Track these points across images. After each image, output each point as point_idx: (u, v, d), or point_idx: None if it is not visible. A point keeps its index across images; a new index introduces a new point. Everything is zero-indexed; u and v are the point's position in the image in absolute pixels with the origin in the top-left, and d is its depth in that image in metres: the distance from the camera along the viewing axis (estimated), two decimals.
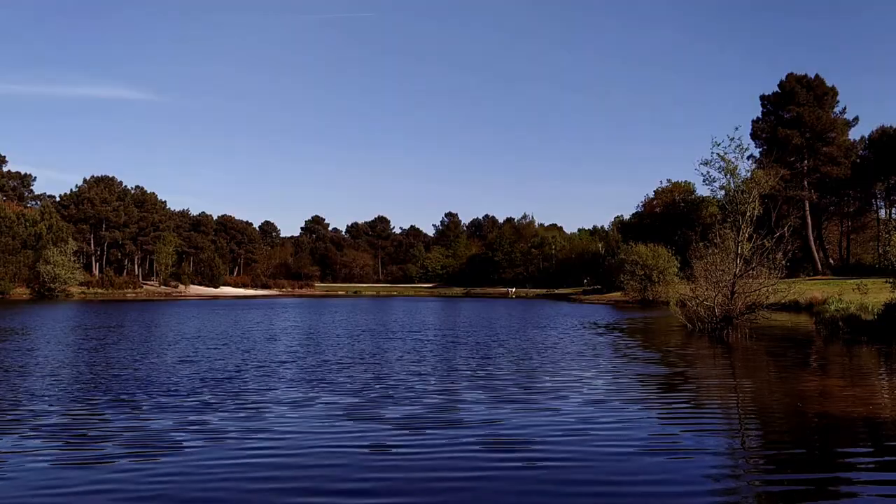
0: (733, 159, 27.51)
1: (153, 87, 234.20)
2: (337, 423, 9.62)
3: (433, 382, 13.44)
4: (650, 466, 7.44)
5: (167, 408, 10.73)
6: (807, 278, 63.82)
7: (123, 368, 15.49)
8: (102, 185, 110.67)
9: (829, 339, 23.13)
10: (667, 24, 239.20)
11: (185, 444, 8.47)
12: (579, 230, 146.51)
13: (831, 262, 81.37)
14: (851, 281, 48.27)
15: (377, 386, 12.91)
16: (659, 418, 10.26)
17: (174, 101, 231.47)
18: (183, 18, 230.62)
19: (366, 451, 8.17)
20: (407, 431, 9.15)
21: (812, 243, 77.73)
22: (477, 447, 8.33)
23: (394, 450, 8.25)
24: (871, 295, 33.79)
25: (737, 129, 31.96)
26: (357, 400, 11.41)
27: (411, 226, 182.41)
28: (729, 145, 27.49)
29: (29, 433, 9.04)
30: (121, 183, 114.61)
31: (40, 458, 7.92)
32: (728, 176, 27.88)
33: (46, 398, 11.53)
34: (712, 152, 27.69)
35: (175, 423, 9.59)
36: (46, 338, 23.34)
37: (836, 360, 18.49)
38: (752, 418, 10.49)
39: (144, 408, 10.78)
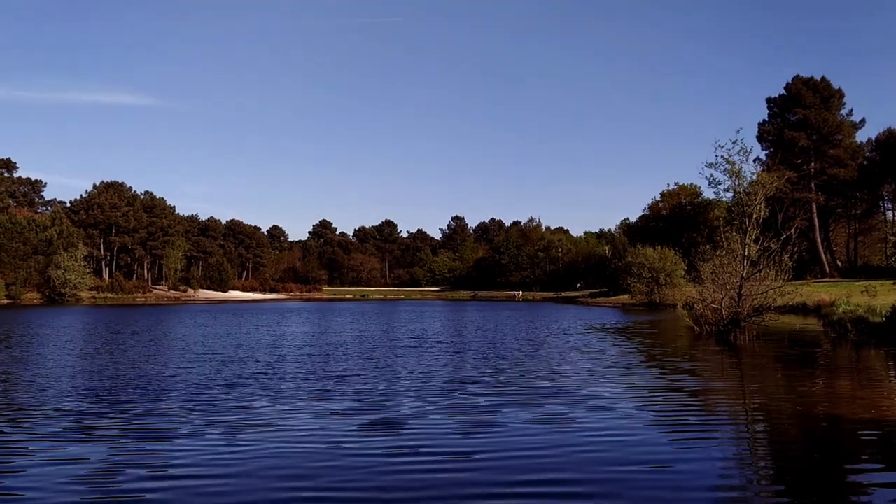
0: (737, 161, 27.70)
1: (162, 93, 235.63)
2: (345, 449, 8.32)
3: (454, 398, 11.99)
4: (654, 470, 7.53)
5: (134, 432, 9.40)
6: (814, 280, 63.76)
7: (101, 379, 14.35)
8: (112, 191, 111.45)
9: (838, 342, 23.20)
10: (672, 27, 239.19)
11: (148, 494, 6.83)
12: (585, 233, 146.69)
13: (839, 264, 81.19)
14: (859, 283, 48.33)
15: (389, 405, 11.33)
16: (665, 421, 10.39)
17: (183, 106, 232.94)
18: (191, 24, 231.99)
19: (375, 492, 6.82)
20: (432, 465, 7.77)
21: (819, 245, 77.59)
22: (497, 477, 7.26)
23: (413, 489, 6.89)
24: (879, 297, 33.88)
25: (738, 131, 32.21)
26: (365, 422, 9.98)
27: (418, 229, 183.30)
28: (732, 147, 27.68)
29: None
30: (130, 188, 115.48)
31: None
32: (733, 178, 28.08)
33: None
34: (716, 155, 27.90)
35: (146, 455, 8.14)
36: (32, 346, 22.42)
37: (844, 363, 18.59)
38: (760, 421, 10.62)
39: (104, 430, 9.48)
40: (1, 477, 7.34)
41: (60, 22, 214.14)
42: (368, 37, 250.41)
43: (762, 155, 78.73)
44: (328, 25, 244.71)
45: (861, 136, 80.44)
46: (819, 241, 77.84)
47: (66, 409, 11.11)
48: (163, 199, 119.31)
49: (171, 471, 7.51)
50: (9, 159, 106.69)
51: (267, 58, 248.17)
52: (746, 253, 25.68)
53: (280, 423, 9.96)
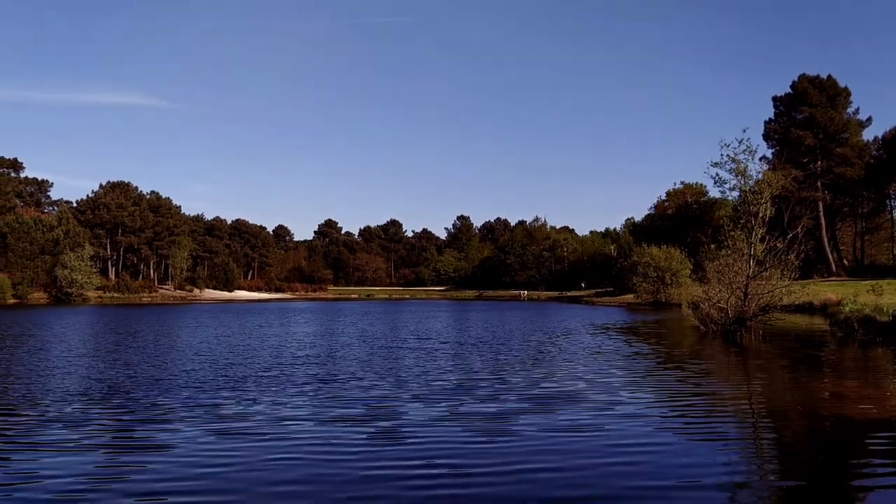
0: (743, 160, 27.65)
1: (167, 93, 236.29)
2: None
3: (466, 405, 11.33)
4: (663, 473, 7.50)
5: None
6: (821, 279, 63.52)
7: (92, 383, 13.69)
8: (118, 191, 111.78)
9: (844, 341, 23.10)
10: (678, 25, 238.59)
11: None
12: (591, 232, 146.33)
13: (845, 263, 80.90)
14: (866, 282, 48.06)
15: (397, 412, 10.64)
16: (672, 421, 10.38)
17: (188, 106, 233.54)
18: (198, 24, 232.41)
19: None
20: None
21: (826, 244, 77.31)
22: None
23: None
24: (886, 296, 33.71)
25: (745, 130, 32.14)
26: (373, 431, 9.28)
27: (423, 229, 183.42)
28: (737, 147, 27.63)
29: None
30: (136, 188, 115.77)
31: None
32: (739, 177, 28.03)
33: None
34: (721, 154, 27.84)
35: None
36: (26, 347, 22.10)
37: (850, 362, 18.52)
38: (766, 421, 10.62)
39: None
40: None
41: (66, 22, 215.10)
42: (374, 36, 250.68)
43: (768, 153, 78.67)
44: (334, 25, 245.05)
45: (867, 135, 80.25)
46: (825, 239, 77.56)
47: (51, 415, 10.48)
48: (168, 198, 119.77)
49: (162, 485, 6.96)
50: (15, 159, 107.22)
51: (272, 58, 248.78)
52: (752, 252, 25.63)
53: (282, 431, 9.36)
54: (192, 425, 9.77)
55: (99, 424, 9.98)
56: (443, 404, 11.44)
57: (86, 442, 8.88)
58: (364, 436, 9.15)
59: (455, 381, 14.13)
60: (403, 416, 10.48)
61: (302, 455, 8.14)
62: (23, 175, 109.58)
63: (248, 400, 11.84)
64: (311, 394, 12.53)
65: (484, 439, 8.97)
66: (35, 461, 7.97)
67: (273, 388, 13.11)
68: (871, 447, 8.65)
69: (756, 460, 8.21)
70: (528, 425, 9.78)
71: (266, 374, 15.31)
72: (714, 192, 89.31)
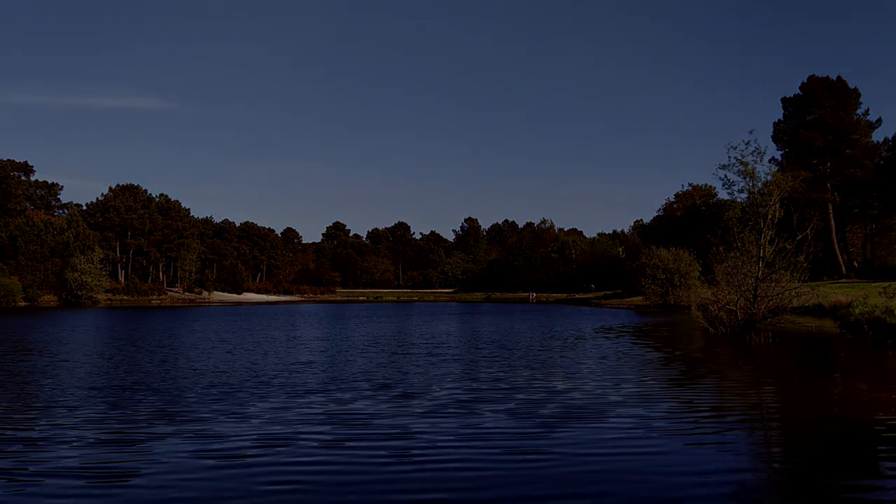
0: (751, 162, 27.63)
1: (176, 96, 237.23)
2: None
3: (489, 420, 10.37)
4: (670, 477, 7.47)
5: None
6: (830, 281, 63.12)
7: (74, 390, 12.99)
8: (127, 194, 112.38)
9: (854, 343, 23.00)
10: (687, 26, 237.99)
11: None
12: (599, 234, 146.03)
13: (855, 265, 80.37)
14: (877, 284, 47.71)
15: (413, 430, 9.58)
16: (681, 426, 10.35)
17: (197, 109, 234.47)
18: (206, 27, 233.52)
19: None
20: None
21: (836, 246, 76.86)
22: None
23: None
24: None
25: (751, 132, 32.26)
26: (385, 453, 8.27)
27: (431, 231, 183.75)
28: (745, 149, 27.62)
29: None
30: (145, 191, 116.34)
31: None
32: (747, 179, 28.00)
33: None
34: (729, 156, 27.85)
35: None
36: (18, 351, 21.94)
37: (861, 365, 18.44)
38: (776, 424, 10.59)
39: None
40: None
41: (76, 26, 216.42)
42: (382, 38, 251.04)
43: (777, 155, 78.29)
44: (342, 27, 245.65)
45: (877, 136, 79.71)
46: (835, 241, 77.11)
47: (9, 435, 9.34)
48: (177, 201, 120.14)
49: None
50: (25, 163, 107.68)
51: (281, 61, 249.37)
52: (761, 254, 25.55)
53: (281, 453, 8.36)
54: (178, 446, 8.70)
55: (68, 444, 8.75)
56: (461, 420, 10.44)
57: (53, 467, 7.72)
58: (376, 458, 8.17)
59: (472, 393, 13.02)
60: (418, 434, 9.43)
61: (305, 482, 7.19)
62: (33, 178, 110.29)
63: (245, 415, 10.72)
64: (315, 408, 11.35)
65: (510, 460, 8.05)
66: None
67: (273, 402, 11.90)
68: (882, 449, 8.63)
69: (760, 459, 8.19)
70: (557, 444, 8.83)
71: (266, 385, 14.00)
72: (723, 194, 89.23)
